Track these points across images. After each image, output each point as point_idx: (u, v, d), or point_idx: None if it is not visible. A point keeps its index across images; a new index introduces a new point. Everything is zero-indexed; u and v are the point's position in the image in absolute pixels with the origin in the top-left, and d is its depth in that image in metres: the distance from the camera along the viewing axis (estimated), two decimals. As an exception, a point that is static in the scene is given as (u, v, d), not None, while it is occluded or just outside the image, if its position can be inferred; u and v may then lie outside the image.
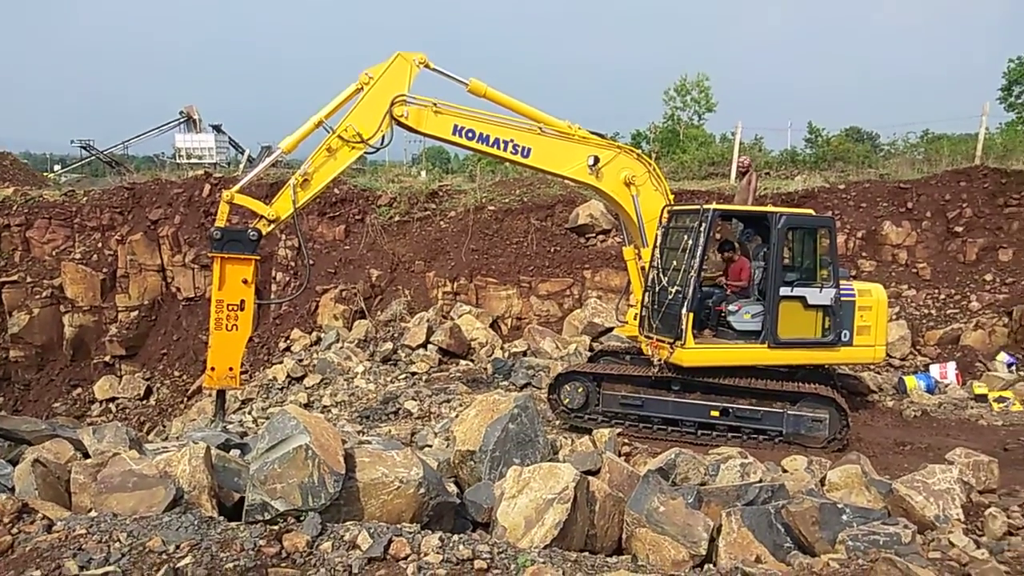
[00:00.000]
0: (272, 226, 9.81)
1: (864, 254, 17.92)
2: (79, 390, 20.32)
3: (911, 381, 13.48)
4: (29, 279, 20.56)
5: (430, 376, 14.86)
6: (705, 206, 10.52)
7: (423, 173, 26.22)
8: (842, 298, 10.83)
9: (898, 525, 5.86)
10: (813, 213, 12.52)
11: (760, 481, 7.53)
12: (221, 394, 9.71)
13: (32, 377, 20.61)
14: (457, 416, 11.67)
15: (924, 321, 16.34)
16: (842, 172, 21.58)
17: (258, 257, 9.64)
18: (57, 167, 50.08)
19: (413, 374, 15.00)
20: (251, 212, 10.05)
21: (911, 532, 5.69)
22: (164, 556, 4.26)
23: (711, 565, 5.89)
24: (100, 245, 20.96)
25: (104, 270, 20.62)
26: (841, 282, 10.90)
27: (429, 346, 16.01)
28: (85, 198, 21.58)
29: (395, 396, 13.39)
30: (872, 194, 18.62)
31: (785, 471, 8.82)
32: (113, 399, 19.74)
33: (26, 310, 20.28)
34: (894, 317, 15.72)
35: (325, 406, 13.59)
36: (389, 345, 16.29)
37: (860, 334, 11.02)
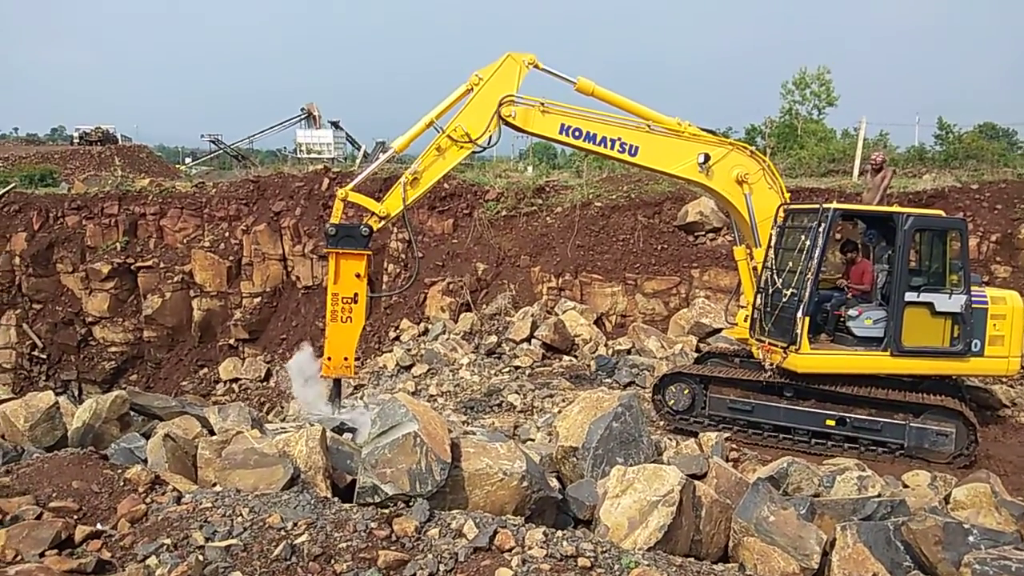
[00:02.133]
0: (383, 223, 10.07)
1: (998, 259, 16.67)
2: (205, 370, 21.70)
3: (1050, 397, 12.45)
4: (162, 265, 22.10)
5: (533, 370, 14.95)
6: (825, 205, 10.07)
7: (530, 169, 26.38)
8: (973, 305, 10.14)
9: (1033, 551, 5.45)
10: (943, 214, 11.77)
11: (879, 496, 7.18)
12: (337, 382, 10.09)
13: (163, 356, 22.19)
14: (560, 412, 11.69)
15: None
16: (975, 171, 20.15)
17: (370, 252, 9.93)
18: (188, 160, 53.49)
19: (517, 368, 15.12)
20: (364, 209, 10.38)
21: (1048, 561, 5.27)
22: (283, 532, 4.48)
23: (822, 579, 5.67)
24: (227, 234, 22.25)
25: (230, 258, 21.88)
26: (972, 288, 10.21)
27: (533, 341, 16.09)
28: (214, 190, 22.96)
29: (499, 389, 13.55)
30: (1008, 195, 17.31)
31: (906, 486, 8.39)
32: (236, 380, 20.96)
33: (159, 294, 21.82)
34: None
35: (431, 395, 13.91)
36: (494, 338, 16.48)
37: (992, 344, 10.27)
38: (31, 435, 6.98)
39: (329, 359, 9.76)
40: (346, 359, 9.78)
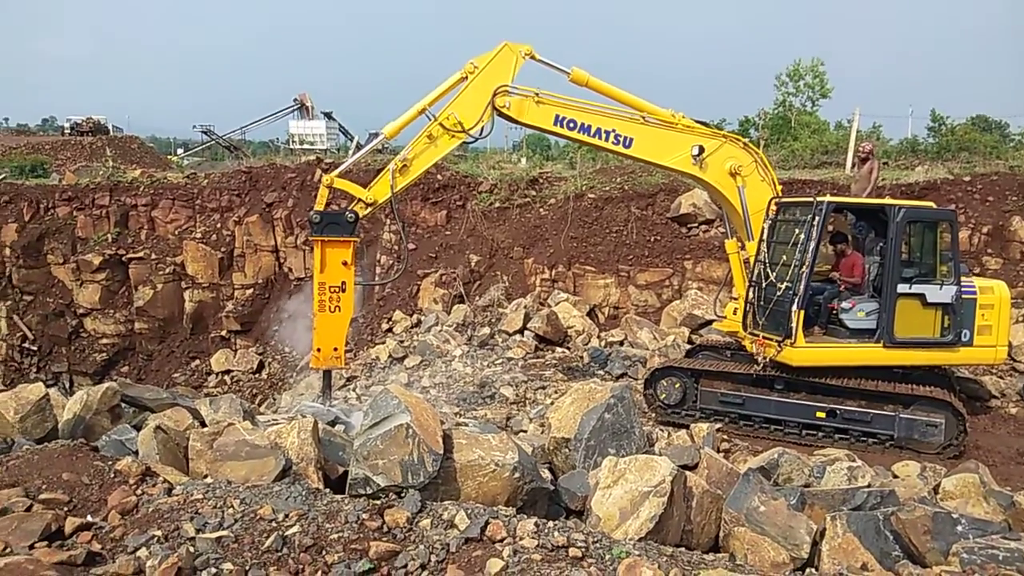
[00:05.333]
0: (369, 209, 9.91)
1: (990, 251, 16.78)
2: (197, 362, 21.66)
3: (1037, 387, 12.55)
4: (154, 256, 22.03)
5: (526, 362, 14.96)
6: (818, 198, 10.11)
7: (523, 160, 26.37)
8: (963, 296, 10.21)
9: (1020, 540, 5.49)
10: (933, 206, 11.82)
11: (869, 486, 7.23)
12: (327, 374, 10.00)
13: (155, 348, 22.14)
14: (552, 403, 11.72)
15: (1055, 324, 15.15)
16: (967, 163, 20.24)
17: (356, 239, 9.78)
18: (180, 151, 53.32)
19: (509, 359, 15.14)
20: (351, 196, 10.24)
21: (1035, 549, 5.31)
22: (274, 524, 4.48)
23: (813, 570, 5.71)
24: (219, 225, 22.18)
25: (222, 249, 21.82)
26: (962, 279, 10.27)
27: (526, 332, 16.10)
28: (206, 181, 22.87)
29: (491, 380, 13.57)
30: (1000, 187, 17.40)
31: (896, 476, 8.44)
32: (228, 371, 20.93)
33: (150, 285, 21.75)
34: (1021, 319, 14.66)
35: (424, 387, 13.91)
36: (487, 330, 16.49)
37: (981, 334, 10.38)
38: (21, 427, 6.93)
39: (319, 350, 9.64)
40: (336, 350, 9.64)
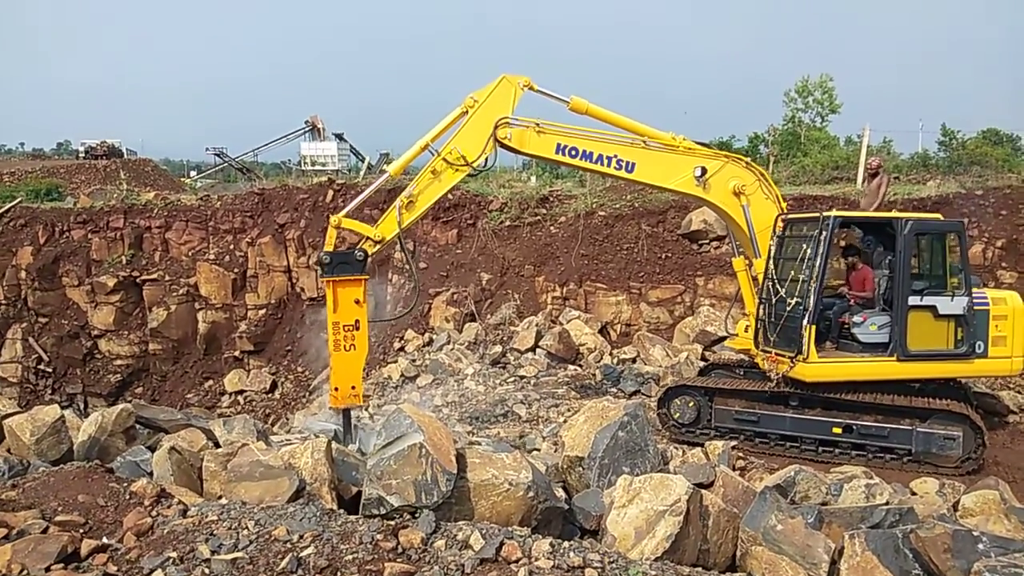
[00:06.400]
0: (378, 247, 9.92)
1: (1004, 264, 16.64)
2: (211, 382, 21.73)
3: (1057, 403, 12.39)
4: (168, 277, 22.18)
5: (538, 380, 14.94)
6: (825, 213, 10.08)
7: (533, 179, 26.43)
8: (975, 307, 10.13)
9: (1044, 559, 5.40)
10: (941, 218, 11.77)
11: (887, 503, 7.14)
12: (347, 413, 9.98)
13: (168, 369, 22.24)
14: (565, 421, 11.67)
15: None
16: (979, 177, 20.13)
17: (367, 277, 9.76)
18: (193, 173, 53.79)
19: (522, 377, 15.11)
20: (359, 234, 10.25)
21: (1059, 568, 5.22)
22: (288, 545, 4.47)
23: (831, 589, 5.63)
24: (232, 247, 22.33)
25: (235, 270, 21.96)
26: (973, 290, 10.21)
27: (538, 350, 16.09)
28: (219, 202, 23.06)
29: (504, 399, 13.54)
30: (1013, 200, 17.27)
31: (914, 494, 8.33)
32: (241, 391, 20.99)
33: (164, 306, 21.89)
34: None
35: (436, 406, 13.89)
36: (498, 348, 16.49)
37: (996, 345, 10.27)
38: (37, 449, 6.98)
39: (336, 389, 9.62)
40: (353, 388, 9.56)
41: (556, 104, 10.53)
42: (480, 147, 9.87)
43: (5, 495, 5.16)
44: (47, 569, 4.25)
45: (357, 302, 9.49)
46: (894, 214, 11.02)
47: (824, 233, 9.82)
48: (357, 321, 9.47)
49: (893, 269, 10.21)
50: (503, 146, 10.09)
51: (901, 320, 9.99)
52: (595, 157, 10.31)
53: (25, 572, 4.23)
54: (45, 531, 4.68)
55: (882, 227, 10.56)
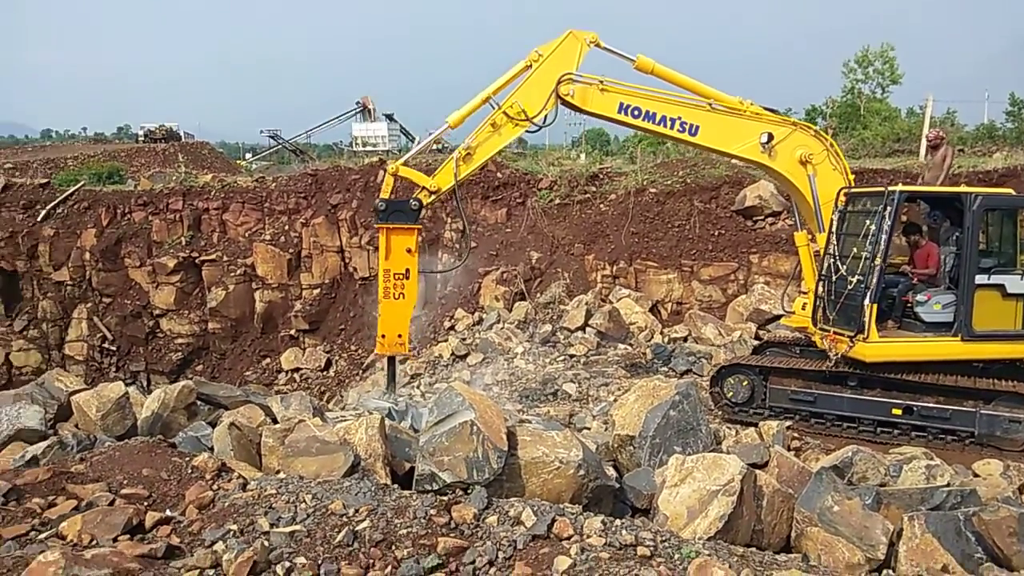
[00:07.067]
0: (433, 197, 9.93)
1: (1078, 241, 15.90)
2: (267, 360, 22.25)
3: None
4: (225, 258, 22.70)
5: (588, 359, 14.88)
6: (890, 188, 9.73)
7: (582, 156, 26.22)
8: None
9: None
10: (1012, 192, 11.26)
11: (948, 485, 6.94)
12: (392, 360, 10.11)
13: (227, 347, 22.83)
14: (615, 400, 11.61)
15: None
16: (1051, 148, 19.26)
17: (420, 227, 9.85)
18: (248, 155, 54.82)
19: (571, 356, 15.06)
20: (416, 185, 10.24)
21: None
22: (345, 519, 4.56)
23: (890, 571, 5.51)
24: (287, 227, 22.72)
25: (290, 250, 22.35)
26: None
27: (588, 329, 16.00)
28: (273, 184, 23.45)
29: (554, 378, 13.52)
30: (1088, 172, 16.49)
31: (977, 476, 8.10)
32: (297, 369, 21.45)
33: (222, 286, 22.42)
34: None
35: (486, 384, 13.96)
36: (548, 327, 16.45)
37: (1066, 325, 9.84)
38: (103, 424, 7.24)
39: (383, 337, 9.76)
40: (400, 336, 9.75)
41: (621, 64, 10.33)
42: (542, 102, 9.76)
43: (74, 468, 5.37)
44: (114, 540, 4.42)
45: (409, 251, 9.59)
46: (963, 188, 10.59)
47: (889, 208, 9.48)
48: (408, 270, 9.60)
49: (960, 246, 9.83)
50: (565, 103, 9.95)
51: (967, 299, 9.64)
52: (658, 118, 10.07)
53: (94, 542, 4.40)
54: (112, 503, 4.86)
55: (949, 202, 10.15)
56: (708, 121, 10.18)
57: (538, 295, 18.36)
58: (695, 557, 4.23)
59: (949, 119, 30.52)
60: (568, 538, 4.42)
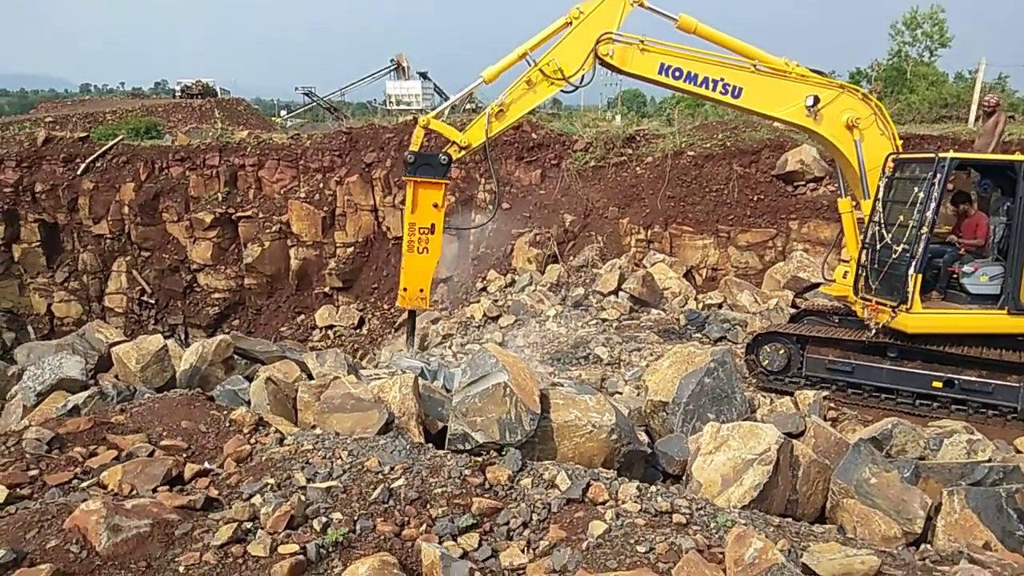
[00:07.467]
0: (463, 152, 9.77)
1: None
2: (302, 317, 22.50)
3: None
4: (261, 215, 22.84)
5: (620, 323, 14.78)
6: (941, 154, 9.39)
7: (618, 118, 25.77)
8: None
9: None
10: None
11: (990, 460, 6.79)
12: (412, 314, 10.06)
13: (263, 303, 23.12)
14: (647, 365, 11.54)
15: None
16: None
17: (448, 181, 9.69)
18: (283, 112, 54.92)
19: (604, 320, 14.98)
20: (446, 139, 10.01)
21: None
22: (380, 476, 4.58)
23: (928, 546, 5.40)
24: (321, 185, 22.75)
25: (325, 208, 22.42)
26: None
27: (620, 293, 15.88)
28: (308, 141, 23.42)
29: (586, 341, 13.47)
30: None
31: (1019, 452, 7.92)
32: (331, 327, 21.67)
33: (258, 243, 22.62)
34: None
35: (518, 346, 13.96)
36: (581, 290, 16.36)
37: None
38: (142, 376, 7.38)
39: (405, 290, 9.74)
40: (422, 291, 9.72)
41: (662, 24, 10.02)
42: (579, 61, 9.52)
43: (115, 419, 5.47)
44: (154, 490, 4.50)
45: (436, 206, 9.50)
46: (1016, 157, 10.20)
47: (939, 176, 9.15)
48: (433, 225, 9.52)
49: (1011, 216, 9.49)
50: (603, 63, 9.68)
51: (1016, 271, 9.33)
52: (700, 80, 9.77)
53: (134, 491, 4.48)
54: (151, 454, 4.94)
55: (1001, 170, 9.78)
56: (752, 83, 9.85)
57: (571, 258, 18.24)
58: (731, 526, 4.18)
59: (1000, 84, 29.40)
60: (603, 503, 4.40)
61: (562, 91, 9.93)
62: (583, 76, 9.68)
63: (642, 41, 9.64)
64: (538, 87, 9.64)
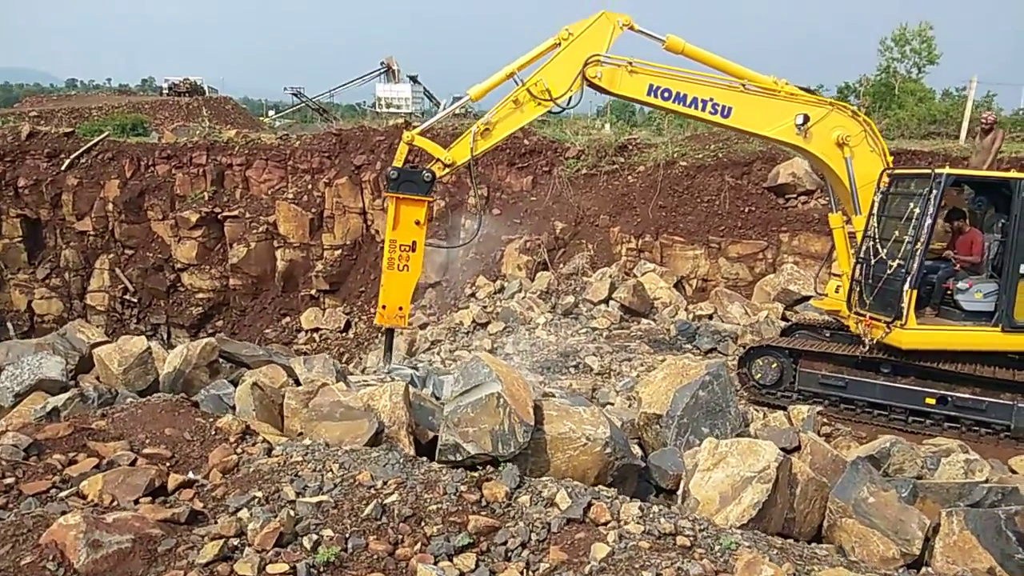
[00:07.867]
0: (447, 170, 9.69)
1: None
2: (287, 319, 22.24)
3: None
4: (248, 215, 22.58)
5: (611, 333, 14.70)
6: (937, 170, 9.37)
7: (607, 126, 25.74)
8: None
9: None
10: None
11: (987, 481, 6.71)
12: (390, 333, 9.95)
13: (247, 304, 22.83)
14: (638, 376, 11.45)
15: None
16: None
17: (431, 199, 9.62)
18: (271, 112, 54.59)
19: (593, 329, 14.89)
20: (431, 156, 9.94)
21: None
22: (372, 491, 4.41)
23: (927, 568, 5.33)
24: (310, 187, 22.53)
25: (313, 210, 22.19)
26: None
27: (611, 302, 15.80)
28: (298, 142, 23.20)
29: (576, 350, 13.37)
30: None
31: (1014, 472, 7.86)
32: (317, 329, 21.42)
33: (244, 243, 22.35)
34: None
35: (507, 354, 13.83)
36: (571, 298, 16.26)
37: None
38: (124, 379, 7.15)
39: (383, 308, 9.61)
40: (400, 309, 9.58)
41: (649, 44, 9.98)
42: (567, 83, 9.47)
43: (96, 424, 5.27)
44: (135, 501, 4.31)
45: (417, 223, 9.39)
46: (1013, 174, 10.22)
47: (935, 191, 9.14)
48: (414, 243, 9.39)
49: (1006, 233, 9.50)
50: (592, 85, 9.64)
51: (1011, 288, 9.34)
52: (689, 100, 9.74)
53: (115, 502, 4.29)
54: (133, 463, 4.74)
55: (996, 187, 9.79)
56: (741, 102, 9.83)
57: (561, 265, 18.15)
58: (735, 549, 4.06)
59: (987, 102, 29.72)
60: (605, 524, 4.26)
61: (549, 112, 9.89)
62: (570, 97, 9.63)
63: (630, 63, 9.59)
64: (525, 107, 9.57)
